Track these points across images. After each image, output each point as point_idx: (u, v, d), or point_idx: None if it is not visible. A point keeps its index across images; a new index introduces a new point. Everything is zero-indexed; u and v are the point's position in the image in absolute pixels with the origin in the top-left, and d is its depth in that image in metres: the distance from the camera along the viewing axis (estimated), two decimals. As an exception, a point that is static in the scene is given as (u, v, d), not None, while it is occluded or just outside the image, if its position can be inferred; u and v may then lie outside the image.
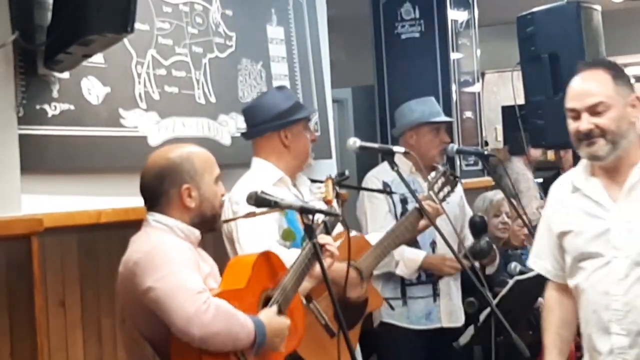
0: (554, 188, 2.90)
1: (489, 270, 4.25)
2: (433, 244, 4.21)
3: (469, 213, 4.48)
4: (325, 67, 5.11)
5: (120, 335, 2.68)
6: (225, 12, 4.21)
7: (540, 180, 6.46)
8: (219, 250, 3.46)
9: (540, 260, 2.93)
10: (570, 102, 2.69)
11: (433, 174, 3.87)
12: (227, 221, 3.22)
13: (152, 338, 2.56)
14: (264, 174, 3.46)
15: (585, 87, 2.67)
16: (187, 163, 2.67)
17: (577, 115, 2.66)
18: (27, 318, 2.94)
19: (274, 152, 3.52)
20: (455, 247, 3.66)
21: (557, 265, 2.87)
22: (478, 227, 4.08)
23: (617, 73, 2.68)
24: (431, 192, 3.77)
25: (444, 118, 4.35)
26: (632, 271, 2.64)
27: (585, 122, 2.63)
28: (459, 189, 4.13)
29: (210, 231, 2.74)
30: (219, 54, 4.12)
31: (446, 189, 3.82)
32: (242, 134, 3.69)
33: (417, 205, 3.66)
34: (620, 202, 2.67)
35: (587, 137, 2.63)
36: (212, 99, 4.02)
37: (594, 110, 2.63)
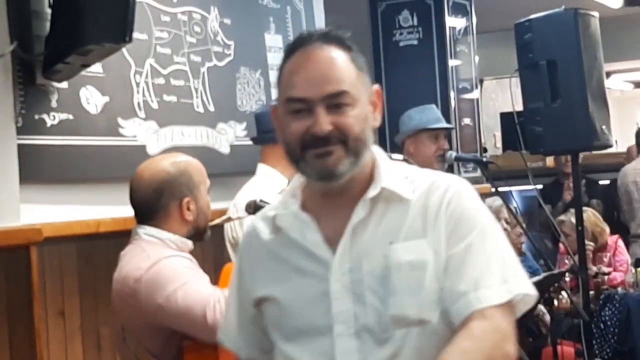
0: (247, 229, 1.95)
1: None
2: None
3: None
4: (323, 75, 5.11)
5: (120, 353, 2.66)
6: (224, 20, 4.22)
7: (540, 186, 6.46)
8: (219, 252, 3.47)
9: (230, 332, 1.94)
10: (295, 90, 1.73)
11: None
12: (214, 225, 3.21)
13: (161, 355, 2.54)
14: (270, 181, 3.47)
15: (323, 68, 1.73)
16: (186, 175, 2.63)
17: (305, 109, 1.72)
18: (27, 328, 2.94)
19: (283, 160, 3.52)
20: None
21: (254, 343, 1.90)
22: None
23: (357, 54, 1.81)
24: None
25: (443, 124, 4.35)
26: (369, 355, 1.70)
27: (324, 121, 1.70)
28: None
29: (199, 241, 2.72)
30: (218, 63, 4.13)
31: None
32: (253, 138, 3.67)
33: None
34: (342, 250, 1.73)
35: (324, 143, 1.71)
36: (211, 108, 4.02)
37: (331, 104, 1.71)
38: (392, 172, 1.80)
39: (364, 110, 1.76)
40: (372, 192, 1.75)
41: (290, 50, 1.78)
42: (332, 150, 1.71)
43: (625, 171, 6.66)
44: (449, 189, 1.77)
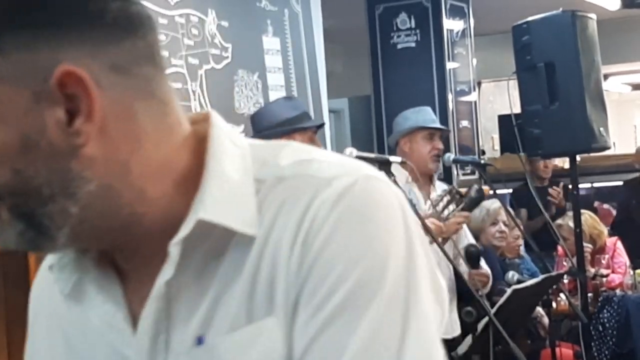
0: (40, 270, 1.14)
1: (483, 291, 4.23)
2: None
3: (469, 235, 4.45)
4: (321, 78, 5.12)
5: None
6: (221, 23, 4.21)
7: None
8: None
9: None
10: None
11: (439, 191, 3.87)
12: None
13: None
14: None
15: None
16: None
17: None
18: (25, 331, 2.93)
19: None
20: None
21: None
22: (474, 256, 4.07)
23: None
24: (434, 210, 3.77)
25: (438, 125, 4.37)
26: None
27: None
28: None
29: None
30: (215, 65, 4.13)
31: (451, 207, 3.82)
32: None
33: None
34: (146, 338, 0.91)
35: None
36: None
37: None
38: (227, 181, 0.91)
39: (21, 129, 0.84)
40: (182, 231, 0.89)
41: None
42: None
43: None
44: (314, 202, 0.87)
